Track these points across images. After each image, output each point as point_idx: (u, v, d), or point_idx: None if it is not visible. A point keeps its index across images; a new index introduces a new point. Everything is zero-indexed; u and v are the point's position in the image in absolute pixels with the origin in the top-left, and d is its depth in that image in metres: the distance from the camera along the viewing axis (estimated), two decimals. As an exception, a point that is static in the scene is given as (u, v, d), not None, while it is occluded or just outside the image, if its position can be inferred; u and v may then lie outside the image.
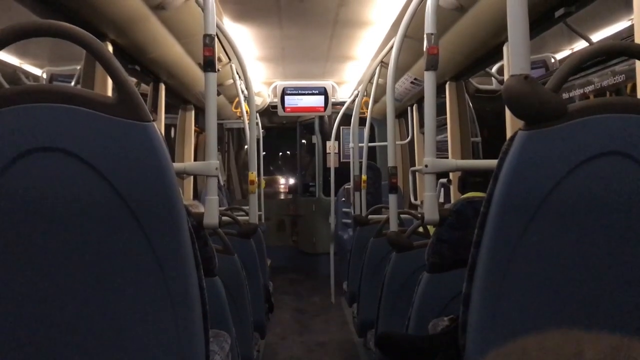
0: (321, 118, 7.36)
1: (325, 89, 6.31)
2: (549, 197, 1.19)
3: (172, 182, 1.20)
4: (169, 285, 1.21)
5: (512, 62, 1.26)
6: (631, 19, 3.09)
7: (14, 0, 2.14)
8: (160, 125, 3.94)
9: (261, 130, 5.97)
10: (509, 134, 2.86)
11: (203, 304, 1.30)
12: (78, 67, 3.85)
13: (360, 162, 4.64)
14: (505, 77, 3.00)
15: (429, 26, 2.10)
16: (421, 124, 5.28)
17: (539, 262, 1.22)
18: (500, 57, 3.01)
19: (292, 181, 9.01)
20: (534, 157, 1.19)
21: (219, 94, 4.90)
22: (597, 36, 3.67)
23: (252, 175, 3.30)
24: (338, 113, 5.86)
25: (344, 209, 6.33)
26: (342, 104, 6.04)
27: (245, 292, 2.84)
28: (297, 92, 6.29)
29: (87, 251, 1.18)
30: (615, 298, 1.20)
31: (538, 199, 1.19)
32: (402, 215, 3.68)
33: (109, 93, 2.66)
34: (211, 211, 2.06)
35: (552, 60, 4.37)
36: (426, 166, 2.06)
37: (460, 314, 1.35)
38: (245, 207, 4.20)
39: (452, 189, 3.89)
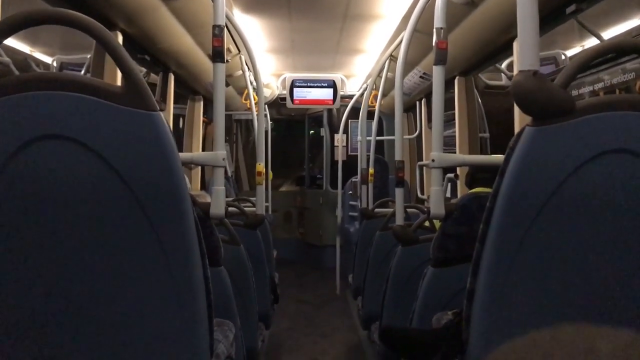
0: (330, 111, 7.33)
1: (334, 81, 6.30)
2: (555, 193, 1.19)
3: (178, 171, 1.20)
4: (174, 273, 1.22)
5: (520, 58, 1.26)
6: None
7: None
8: (168, 116, 3.95)
9: (269, 122, 5.97)
10: (517, 130, 2.85)
11: (208, 293, 1.31)
12: (88, 56, 3.87)
13: (368, 156, 4.64)
14: (515, 73, 2.97)
15: (438, 20, 2.10)
16: (429, 119, 5.27)
17: (544, 258, 1.22)
18: (511, 53, 2.99)
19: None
20: (542, 153, 1.19)
21: (227, 85, 4.90)
22: (609, 33, 3.64)
23: (260, 166, 3.30)
24: (346, 106, 5.85)
25: (351, 202, 6.34)
26: (350, 97, 6.04)
27: (250, 282, 2.86)
28: (306, 84, 6.28)
29: (92, 238, 1.19)
30: (620, 294, 1.20)
31: (545, 195, 1.19)
32: (408, 210, 3.69)
33: (119, 82, 2.64)
34: (218, 201, 2.06)
35: (562, 57, 4.35)
36: (433, 160, 2.06)
37: (464, 308, 1.35)
38: (252, 198, 4.21)
39: (459, 184, 3.88)
